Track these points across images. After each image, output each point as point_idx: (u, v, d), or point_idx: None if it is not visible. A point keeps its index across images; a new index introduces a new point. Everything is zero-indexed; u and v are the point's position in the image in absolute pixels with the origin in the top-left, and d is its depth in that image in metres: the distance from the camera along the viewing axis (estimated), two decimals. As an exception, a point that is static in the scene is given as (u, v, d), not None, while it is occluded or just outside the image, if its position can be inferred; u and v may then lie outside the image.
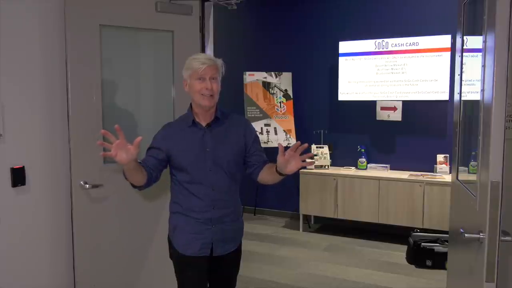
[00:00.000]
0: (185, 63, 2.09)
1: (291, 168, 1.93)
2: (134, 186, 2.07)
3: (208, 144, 2.10)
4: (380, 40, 4.99)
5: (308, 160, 1.95)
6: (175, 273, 2.19)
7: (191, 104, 2.16)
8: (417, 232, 4.41)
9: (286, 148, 1.95)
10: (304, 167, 1.94)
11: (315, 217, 5.54)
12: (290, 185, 5.57)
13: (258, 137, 2.25)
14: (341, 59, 5.19)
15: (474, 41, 2.08)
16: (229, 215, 2.16)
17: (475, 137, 1.79)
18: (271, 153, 6.08)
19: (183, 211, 2.13)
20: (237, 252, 2.25)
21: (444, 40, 4.67)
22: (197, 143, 2.09)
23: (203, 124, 2.12)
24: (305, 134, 5.48)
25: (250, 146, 2.17)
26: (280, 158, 1.93)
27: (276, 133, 5.45)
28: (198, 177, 2.07)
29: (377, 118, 5.05)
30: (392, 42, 4.93)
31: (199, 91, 2.04)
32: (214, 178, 2.09)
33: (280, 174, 2.00)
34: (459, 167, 2.31)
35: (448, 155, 4.82)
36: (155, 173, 2.07)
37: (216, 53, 3.13)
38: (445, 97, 4.72)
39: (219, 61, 2.10)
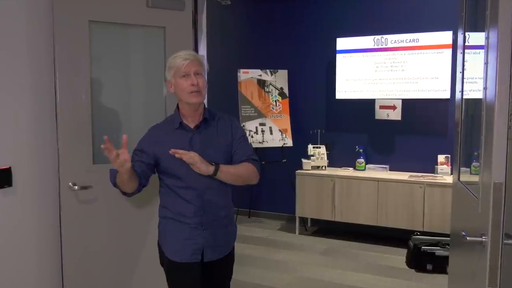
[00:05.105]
0: (167, 63, 2.09)
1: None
2: (123, 193, 2.07)
3: (197, 147, 2.06)
4: (379, 37, 4.94)
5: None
6: (167, 281, 2.14)
7: (178, 106, 2.14)
8: (417, 235, 4.36)
9: None
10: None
11: (312, 219, 5.52)
12: (286, 186, 5.54)
13: (244, 136, 2.20)
14: (338, 56, 5.13)
15: (476, 38, 2.08)
16: (221, 219, 2.12)
17: (477, 137, 1.78)
18: (266, 153, 6.05)
19: (172, 216, 2.10)
20: (230, 257, 2.22)
21: (446, 37, 4.63)
22: (185, 146, 2.04)
23: (191, 125, 2.10)
24: (302, 133, 5.45)
25: (232, 146, 2.15)
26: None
27: (271, 133, 5.41)
28: (187, 181, 2.03)
29: (376, 117, 5.01)
30: (392, 39, 4.88)
31: (185, 88, 2.02)
32: (204, 181, 2.04)
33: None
34: (461, 168, 2.30)
35: (449, 155, 4.79)
36: (144, 180, 2.06)
37: (209, 50, 3.10)
38: (446, 95, 4.67)
39: (201, 56, 2.10)
